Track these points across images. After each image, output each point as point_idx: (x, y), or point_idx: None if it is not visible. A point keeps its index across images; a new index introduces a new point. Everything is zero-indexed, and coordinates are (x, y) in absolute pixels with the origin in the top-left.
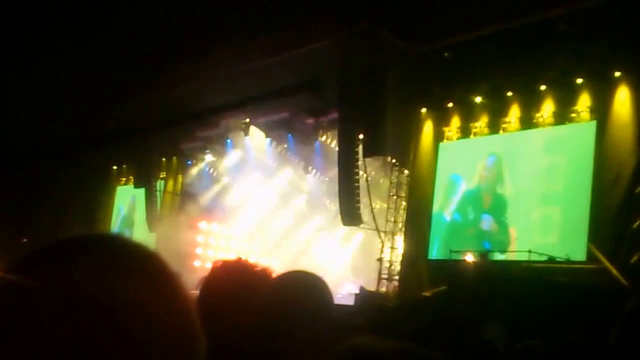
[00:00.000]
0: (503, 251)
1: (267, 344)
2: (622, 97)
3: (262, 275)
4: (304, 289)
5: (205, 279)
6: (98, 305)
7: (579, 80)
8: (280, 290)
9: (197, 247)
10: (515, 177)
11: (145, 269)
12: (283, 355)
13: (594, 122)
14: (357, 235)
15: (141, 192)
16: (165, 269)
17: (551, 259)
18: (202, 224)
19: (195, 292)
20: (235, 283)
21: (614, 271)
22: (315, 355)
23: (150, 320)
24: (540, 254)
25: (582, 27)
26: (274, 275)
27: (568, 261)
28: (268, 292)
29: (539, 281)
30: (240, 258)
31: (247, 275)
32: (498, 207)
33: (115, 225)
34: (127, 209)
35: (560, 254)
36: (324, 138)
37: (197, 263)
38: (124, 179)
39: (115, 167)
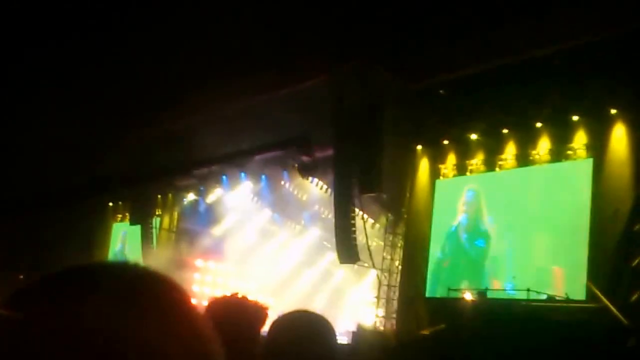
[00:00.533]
0: (503, 289)
1: None
2: (619, 134)
3: (257, 311)
4: (308, 330)
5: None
6: (103, 347)
7: (575, 118)
8: (284, 331)
9: (193, 285)
10: (512, 214)
11: (161, 306)
12: None
13: (591, 160)
14: (354, 273)
15: (134, 227)
16: (184, 305)
17: (550, 298)
18: (199, 262)
19: None
20: (232, 318)
21: (614, 310)
22: None
23: None
24: (539, 292)
25: (577, 65)
26: (270, 311)
27: (567, 300)
28: (272, 331)
29: (538, 320)
30: (237, 294)
31: (244, 311)
32: (497, 244)
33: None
34: (120, 243)
35: (559, 292)
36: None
37: (193, 301)
38: (120, 215)
39: (111, 204)
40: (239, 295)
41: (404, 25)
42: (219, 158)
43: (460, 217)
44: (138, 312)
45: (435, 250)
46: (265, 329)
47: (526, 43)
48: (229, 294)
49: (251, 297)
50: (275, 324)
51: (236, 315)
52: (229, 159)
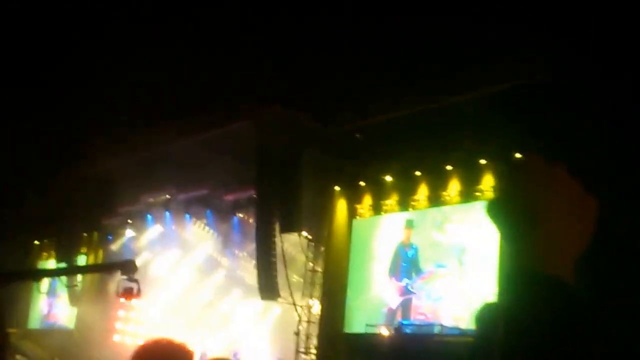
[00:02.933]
0: (416, 324)
1: None
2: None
3: (183, 355)
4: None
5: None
6: None
7: (483, 161)
8: None
9: (117, 321)
10: (425, 252)
11: None
12: None
13: None
14: (275, 309)
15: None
16: None
17: (462, 333)
18: (122, 299)
19: None
20: None
21: None
22: None
23: None
24: (451, 328)
25: (485, 112)
26: (192, 352)
27: None
28: None
29: (450, 354)
30: (163, 339)
31: (166, 354)
32: (411, 279)
33: (36, 302)
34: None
35: (470, 326)
36: (241, 215)
37: (117, 337)
38: (46, 254)
39: (37, 242)
40: (163, 340)
41: (325, 75)
42: (143, 198)
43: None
44: None
45: (353, 287)
46: None
47: (437, 91)
48: (155, 339)
49: (176, 341)
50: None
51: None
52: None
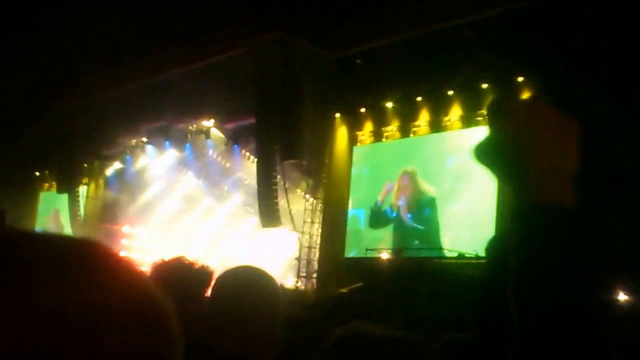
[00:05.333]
0: (418, 248)
1: (217, 343)
2: None
3: (202, 272)
4: (250, 286)
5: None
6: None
7: (484, 86)
8: (229, 287)
9: (121, 251)
10: (428, 180)
11: (101, 269)
12: (233, 353)
13: None
14: (276, 235)
15: (64, 200)
16: (125, 267)
17: (461, 255)
18: (126, 228)
19: None
20: (177, 281)
21: None
22: (264, 351)
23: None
24: (451, 250)
25: (485, 35)
26: (213, 271)
27: (477, 257)
28: (215, 289)
29: (449, 276)
30: (180, 257)
31: (188, 273)
32: (414, 208)
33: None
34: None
35: (470, 249)
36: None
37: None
38: (47, 184)
39: (37, 173)
40: (183, 259)
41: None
42: (143, 127)
43: (400, 201)
44: (76, 276)
45: (353, 213)
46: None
47: (437, 15)
48: (172, 258)
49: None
50: (219, 280)
51: (181, 278)
52: (154, 129)
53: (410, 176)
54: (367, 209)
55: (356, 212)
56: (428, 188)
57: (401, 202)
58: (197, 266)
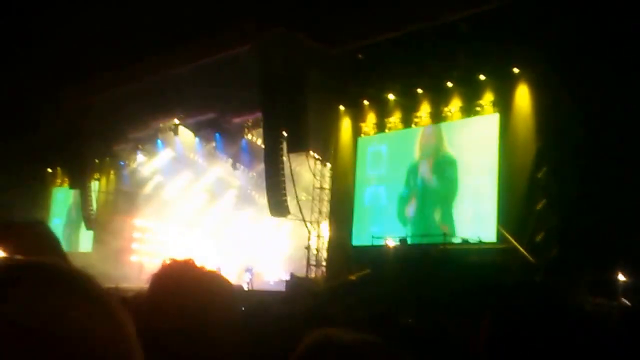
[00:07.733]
0: (423, 235)
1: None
2: (522, 91)
3: (209, 278)
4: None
5: (155, 276)
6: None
7: (482, 77)
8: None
9: (133, 243)
10: (431, 168)
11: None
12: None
13: (497, 115)
14: (285, 225)
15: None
16: (99, 291)
17: (465, 241)
18: (138, 221)
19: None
20: (184, 284)
21: (522, 250)
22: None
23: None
24: (455, 237)
25: (481, 29)
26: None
27: (480, 243)
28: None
29: (453, 261)
30: (190, 259)
31: (195, 277)
32: (419, 196)
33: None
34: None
35: (473, 236)
36: (250, 136)
37: (134, 258)
38: (59, 180)
39: (49, 170)
40: (187, 261)
41: None
42: (153, 124)
43: (422, 167)
44: (60, 298)
45: (360, 202)
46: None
47: (434, 10)
48: (179, 260)
49: (198, 262)
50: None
51: (188, 280)
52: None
53: (435, 127)
54: (387, 185)
55: (377, 189)
56: (427, 175)
57: (423, 167)
58: (205, 271)
